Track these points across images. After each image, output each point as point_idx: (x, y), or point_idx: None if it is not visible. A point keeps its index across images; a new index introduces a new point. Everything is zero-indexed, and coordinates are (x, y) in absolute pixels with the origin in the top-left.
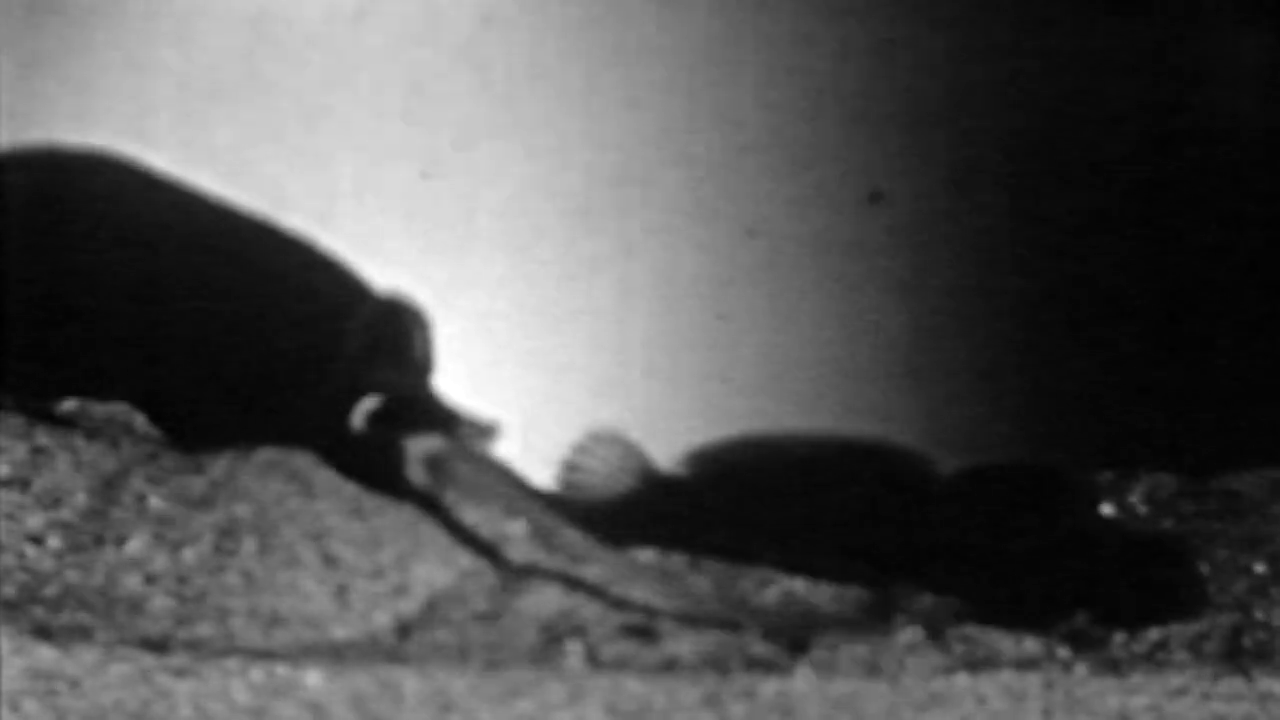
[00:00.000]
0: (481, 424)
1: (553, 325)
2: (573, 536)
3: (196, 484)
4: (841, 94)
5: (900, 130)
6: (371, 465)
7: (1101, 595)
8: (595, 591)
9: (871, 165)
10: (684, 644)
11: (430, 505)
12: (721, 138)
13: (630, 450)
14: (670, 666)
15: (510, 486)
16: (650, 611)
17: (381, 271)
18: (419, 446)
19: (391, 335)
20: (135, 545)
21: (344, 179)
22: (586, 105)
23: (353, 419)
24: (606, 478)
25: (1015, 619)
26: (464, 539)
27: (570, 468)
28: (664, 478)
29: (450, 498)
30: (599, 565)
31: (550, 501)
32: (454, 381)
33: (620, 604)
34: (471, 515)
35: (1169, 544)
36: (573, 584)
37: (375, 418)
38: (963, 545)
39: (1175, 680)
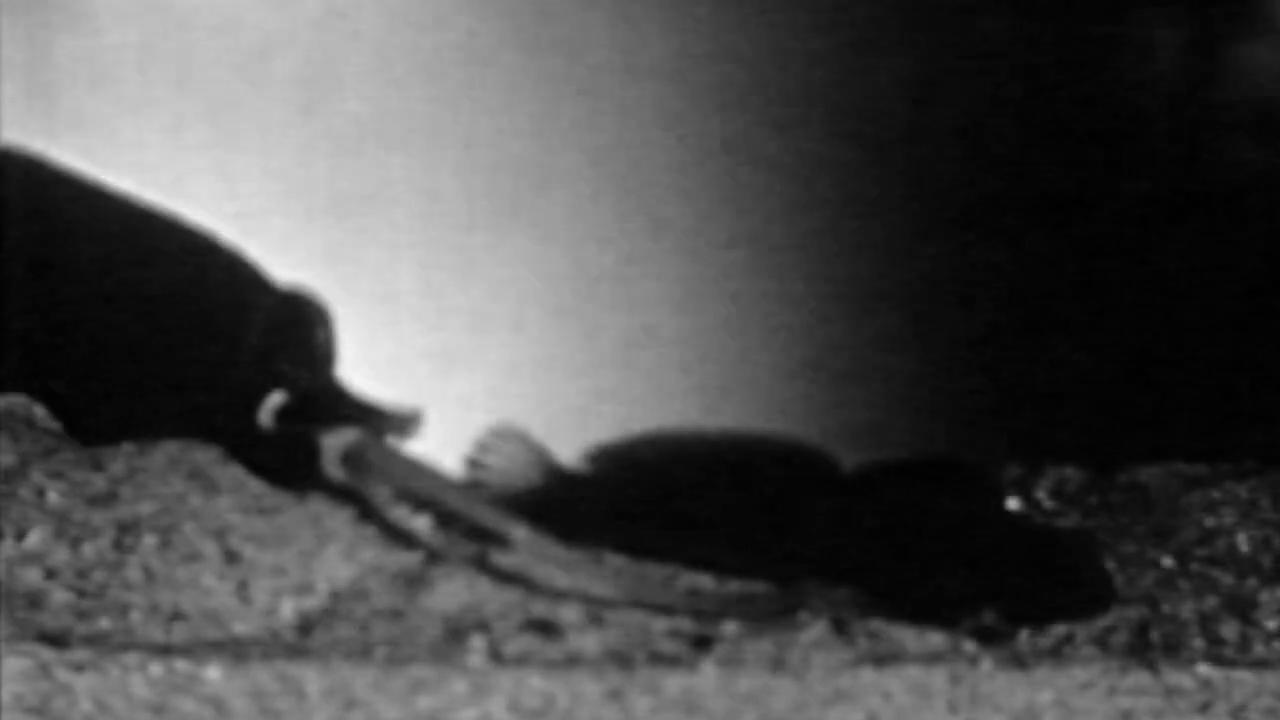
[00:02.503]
0: (403, 414)
1: (458, 320)
2: (487, 519)
3: (96, 479)
4: (763, 89)
5: (811, 126)
6: (281, 460)
7: (1007, 590)
8: (505, 578)
9: (782, 159)
10: (588, 639)
11: (343, 499)
12: (632, 131)
13: (533, 446)
14: (574, 661)
15: (427, 478)
16: (560, 601)
17: (284, 265)
18: (336, 440)
19: (294, 329)
20: (34, 539)
21: (247, 171)
22: (497, 98)
23: (260, 414)
24: (509, 474)
25: (921, 614)
26: (374, 533)
27: (473, 464)
28: (568, 474)
29: (366, 491)
30: (514, 554)
31: (468, 491)
32: (357, 376)
33: (529, 594)
34: (381, 508)
35: (1075, 538)
36: (481, 573)
37: (283, 413)
38: (867, 540)
39: (1081, 675)
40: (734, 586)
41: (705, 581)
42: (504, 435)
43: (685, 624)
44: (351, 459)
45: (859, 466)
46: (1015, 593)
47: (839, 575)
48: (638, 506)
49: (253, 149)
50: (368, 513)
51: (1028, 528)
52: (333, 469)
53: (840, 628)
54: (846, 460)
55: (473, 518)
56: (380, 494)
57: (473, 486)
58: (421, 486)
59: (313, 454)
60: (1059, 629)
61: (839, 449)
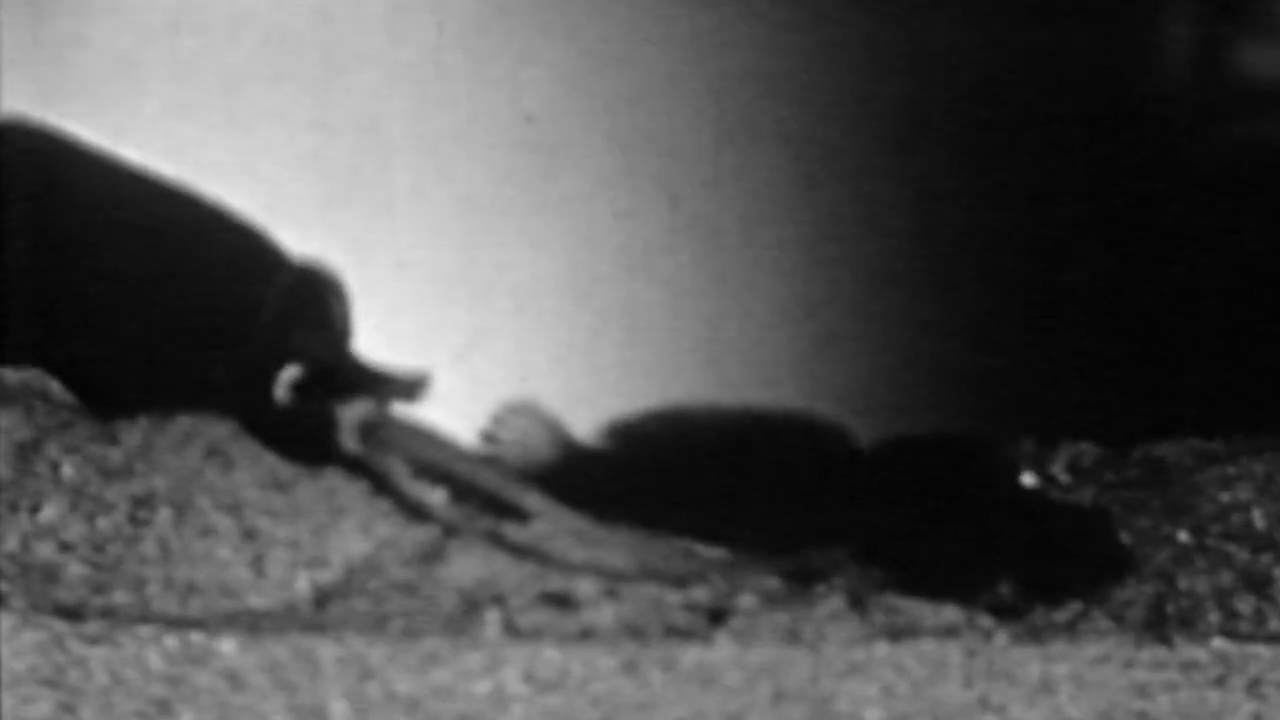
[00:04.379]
0: (410, 378)
1: (471, 294)
2: (505, 492)
3: (112, 453)
4: (778, 73)
5: (827, 106)
6: (297, 434)
7: (1023, 564)
8: (521, 552)
9: (799, 139)
10: (603, 612)
11: (358, 473)
12: (650, 107)
13: (549, 422)
14: (588, 634)
15: (442, 450)
16: (575, 575)
17: (299, 239)
18: (352, 413)
19: (309, 302)
20: (49, 513)
21: (262, 146)
22: (508, 75)
23: (275, 389)
24: (525, 449)
25: (937, 588)
26: (389, 507)
27: (489, 439)
28: (583, 450)
29: (382, 464)
30: (529, 528)
31: (483, 463)
32: (372, 349)
33: (544, 567)
34: (396, 483)
35: (1091, 513)
36: (496, 547)
37: (299, 386)
38: (884, 515)
39: (1097, 649)
40: (749, 560)
41: (720, 555)
42: (519, 411)
43: (700, 597)
44: (367, 432)
45: (875, 442)
46: (1031, 567)
47: (854, 550)
48: (653, 482)
49: (269, 126)
50: (383, 487)
51: (1043, 503)
52: (349, 442)
53: (856, 601)
54: (863, 435)
55: (488, 490)
56: (396, 468)
57: (488, 460)
58: (436, 459)
59: (329, 428)
60: (1074, 604)
61: (855, 424)
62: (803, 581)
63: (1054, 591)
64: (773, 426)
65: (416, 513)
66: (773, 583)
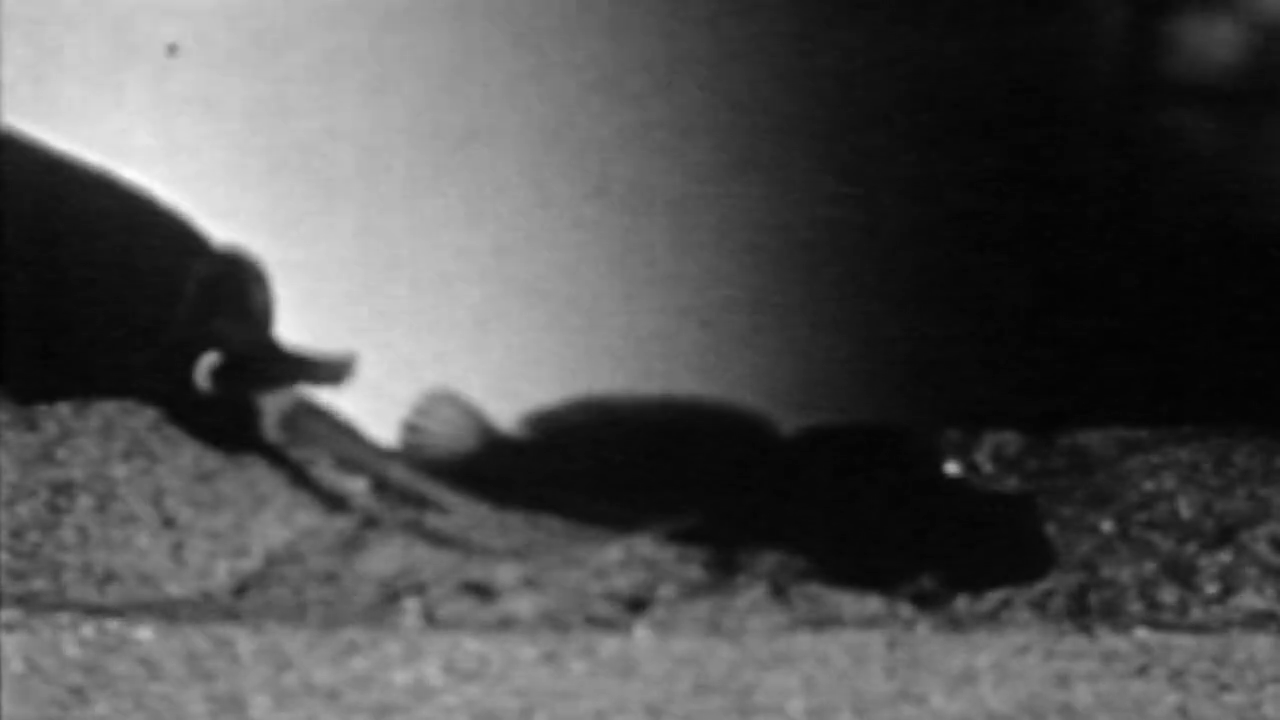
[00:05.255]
0: (335, 362)
1: (395, 284)
2: (421, 488)
3: (31, 440)
4: (700, 57)
5: (755, 86)
6: (219, 423)
7: (946, 554)
8: (438, 540)
9: (723, 122)
10: (523, 602)
11: (279, 463)
12: (572, 96)
13: (470, 411)
14: (508, 624)
15: (362, 445)
16: (494, 564)
17: (220, 226)
18: (274, 403)
19: (230, 289)
20: None
21: (185, 131)
22: (436, 61)
23: (197, 375)
24: (447, 439)
25: (858, 578)
26: (309, 497)
27: (410, 428)
28: (505, 439)
29: (301, 454)
30: (445, 519)
31: (400, 457)
32: (294, 338)
33: (463, 555)
34: (318, 472)
35: (1015, 502)
36: (414, 537)
37: (220, 373)
38: (805, 505)
39: (1019, 639)
40: (670, 551)
41: (641, 546)
42: (440, 401)
43: (621, 586)
44: (289, 422)
45: (797, 431)
46: (953, 557)
47: (776, 539)
48: (575, 471)
49: (191, 112)
50: (303, 477)
51: (966, 492)
52: (271, 432)
53: (777, 591)
54: (784, 425)
55: (406, 487)
56: (317, 457)
57: (407, 453)
58: (357, 454)
59: (251, 416)
60: (997, 593)
61: (777, 413)
62: (724, 571)
63: (976, 581)
64: (693, 415)
65: (337, 502)
66: (694, 572)
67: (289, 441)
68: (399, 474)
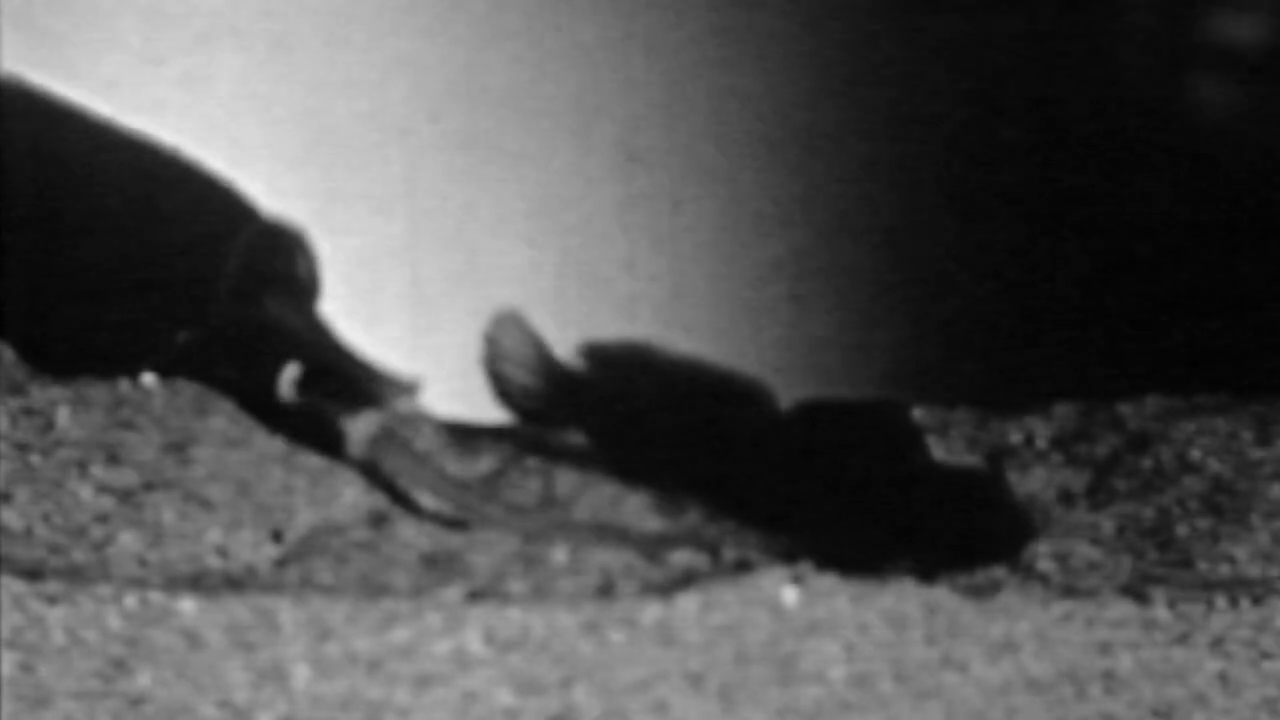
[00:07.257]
0: (404, 382)
1: (434, 249)
2: (499, 518)
3: (77, 418)
4: (733, 31)
5: (775, 59)
6: (302, 434)
7: (929, 533)
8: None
9: (746, 98)
10: (564, 571)
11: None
12: (607, 65)
13: (535, 339)
14: (549, 594)
15: (442, 475)
16: (536, 536)
17: (263, 196)
18: (360, 425)
19: (274, 260)
20: (7, 470)
21: (228, 107)
22: (472, 30)
23: (280, 387)
24: (519, 360)
25: (849, 562)
26: (351, 471)
27: (490, 342)
28: (565, 369)
29: (386, 473)
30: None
31: (470, 487)
32: (336, 305)
33: (506, 528)
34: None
35: (992, 481)
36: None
37: (301, 385)
38: (797, 484)
39: (1060, 607)
40: (711, 522)
41: (683, 517)
42: (513, 321)
43: (662, 557)
44: (374, 449)
45: (793, 405)
46: (937, 536)
47: (760, 517)
48: (631, 426)
49: (232, 80)
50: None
51: (946, 472)
52: (357, 450)
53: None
54: (783, 395)
55: (486, 518)
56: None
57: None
58: (438, 485)
59: (335, 435)
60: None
61: (795, 385)
62: (764, 541)
63: (959, 560)
64: (695, 377)
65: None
66: (733, 542)
67: (372, 467)
68: (477, 505)
